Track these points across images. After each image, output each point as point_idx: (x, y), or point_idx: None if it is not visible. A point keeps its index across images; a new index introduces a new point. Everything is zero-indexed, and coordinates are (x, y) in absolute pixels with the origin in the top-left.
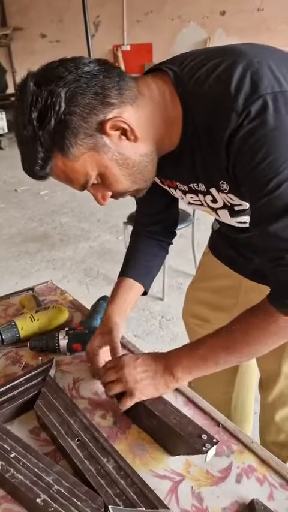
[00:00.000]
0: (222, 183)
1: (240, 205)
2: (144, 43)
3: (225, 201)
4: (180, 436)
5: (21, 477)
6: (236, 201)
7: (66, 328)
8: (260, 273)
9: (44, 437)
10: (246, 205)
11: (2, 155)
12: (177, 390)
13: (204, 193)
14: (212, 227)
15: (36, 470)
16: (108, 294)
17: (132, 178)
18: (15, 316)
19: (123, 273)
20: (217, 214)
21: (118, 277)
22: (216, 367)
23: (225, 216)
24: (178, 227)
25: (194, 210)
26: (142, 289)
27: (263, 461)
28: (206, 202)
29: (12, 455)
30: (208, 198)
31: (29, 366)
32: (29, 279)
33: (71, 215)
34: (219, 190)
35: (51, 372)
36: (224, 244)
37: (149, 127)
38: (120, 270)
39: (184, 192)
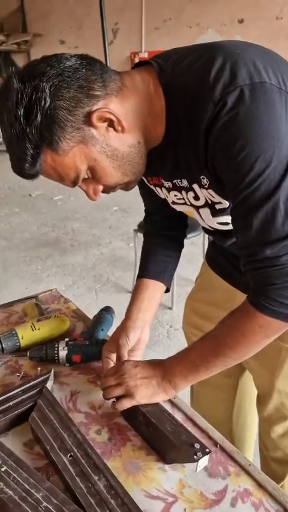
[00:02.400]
0: (202, 178)
1: (220, 203)
2: (162, 50)
3: (207, 198)
4: (173, 444)
5: (11, 492)
6: (216, 198)
7: (67, 339)
8: None
9: (37, 451)
10: (226, 203)
11: None
12: (175, 407)
13: (187, 190)
14: (208, 238)
15: (26, 485)
16: (117, 301)
17: (122, 170)
18: (17, 324)
19: (140, 275)
20: (200, 214)
21: (136, 281)
22: (208, 371)
23: (207, 216)
24: (189, 235)
25: None
26: (162, 287)
27: (259, 485)
28: (188, 199)
29: (3, 469)
30: (190, 194)
31: (27, 376)
32: (39, 284)
33: (83, 221)
34: (200, 185)
35: (49, 384)
36: (217, 254)
37: (135, 118)
38: (139, 268)
39: (168, 190)
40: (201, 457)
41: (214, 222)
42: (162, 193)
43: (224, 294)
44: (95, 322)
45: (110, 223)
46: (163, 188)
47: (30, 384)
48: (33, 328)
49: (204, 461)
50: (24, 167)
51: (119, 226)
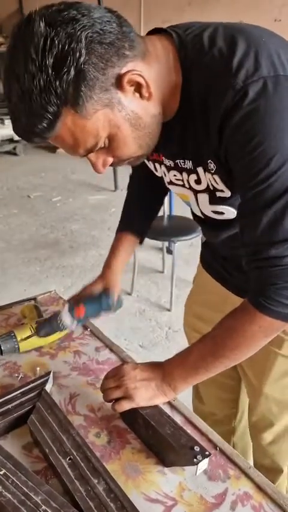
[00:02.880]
0: (210, 162)
1: (222, 191)
2: None
3: (209, 184)
4: (172, 447)
5: (9, 495)
6: (220, 185)
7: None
8: (244, 289)
9: (36, 454)
10: (228, 193)
11: (17, 161)
12: (175, 409)
13: (190, 172)
14: (201, 239)
15: (25, 489)
16: None
17: (140, 142)
18: (15, 326)
19: (121, 229)
20: (197, 199)
21: (119, 231)
22: (207, 373)
23: (204, 203)
24: (187, 237)
25: None
26: (137, 241)
27: (259, 488)
28: (189, 182)
29: (1, 473)
30: (192, 177)
31: (26, 377)
32: (38, 285)
33: (82, 222)
34: (206, 169)
35: (48, 387)
36: (209, 256)
37: (157, 87)
38: (120, 221)
39: (168, 169)
40: (201, 460)
41: (209, 210)
42: (159, 170)
43: (217, 296)
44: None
45: (109, 225)
46: (162, 166)
47: (29, 386)
48: (32, 330)
49: (204, 464)
50: (38, 126)
51: None
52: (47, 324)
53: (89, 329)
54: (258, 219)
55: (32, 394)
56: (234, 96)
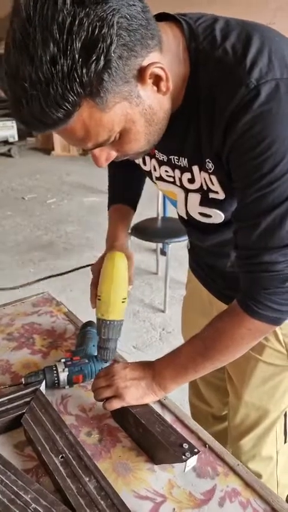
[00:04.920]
0: (208, 162)
1: (216, 192)
2: None
3: (203, 183)
4: (162, 444)
5: None
6: (215, 186)
7: (63, 360)
8: (226, 294)
9: (28, 453)
10: (222, 195)
11: (12, 163)
12: (165, 408)
13: (183, 170)
14: (187, 246)
15: (14, 488)
16: None
17: (149, 138)
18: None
19: (118, 201)
20: (186, 198)
21: (110, 205)
22: (196, 374)
23: (193, 203)
24: (182, 239)
25: None
26: (131, 209)
27: (247, 484)
28: (181, 180)
29: None
30: (186, 176)
31: (18, 376)
32: (32, 287)
33: (77, 224)
34: (202, 169)
35: (42, 386)
36: (194, 262)
37: (171, 80)
38: (109, 198)
39: (160, 163)
40: (190, 457)
41: (196, 211)
42: (148, 164)
43: (204, 301)
44: (86, 339)
45: (105, 227)
46: (153, 159)
47: (23, 389)
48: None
49: (192, 461)
50: (52, 116)
51: None
52: (39, 376)
53: None
54: (256, 223)
55: (26, 393)
56: (246, 96)
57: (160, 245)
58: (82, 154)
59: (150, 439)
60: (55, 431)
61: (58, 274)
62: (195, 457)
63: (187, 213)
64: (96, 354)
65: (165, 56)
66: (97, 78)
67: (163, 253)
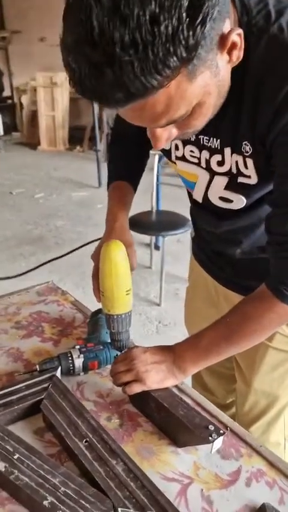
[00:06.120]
0: (245, 144)
1: (248, 177)
2: None
3: (235, 167)
4: (187, 427)
5: (26, 479)
6: (248, 170)
7: (77, 346)
8: (234, 282)
9: (48, 439)
10: (254, 179)
11: None
12: (183, 393)
13: (213, 152)
14: (191, 234)
15: (41, 472)
16: None
17: (210, 114)
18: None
19: (120, 177)
20: (210, 182)
21: (110, 183)
22: (218, 357)
23: (217, 187)
24: (177, 231)
25: None
26: (132, 189)
27: (272, 465)
28: (209, 162)
29: (15, 457)
30: (216, 158)
31: (30, 364)
32: (24, 281)
33: (66, 219)
34: (235, 151)
35: (58, 373)
36: (199, 250)
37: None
38: (109, 176)
39: (185, 142)
40: (216, 438)
41: (217, 196)
42: (171, 142)
43: (211, 291)
44: (98, 326)
45: (95, 221)
46: None
47: (40, 375)
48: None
49: (218, 442)
50: (146, 82)
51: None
52: (54, 363)
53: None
54: None
55: (43, 379)
56: None
57: (154, 240)
58: (68, 149)
59: (174, 422)
60: (76, 417)
61: (50, 260)
62: (221, 439)
63: (205, 196)
64: (108, 340)
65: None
66: (197, 43)
67: (157, 247)
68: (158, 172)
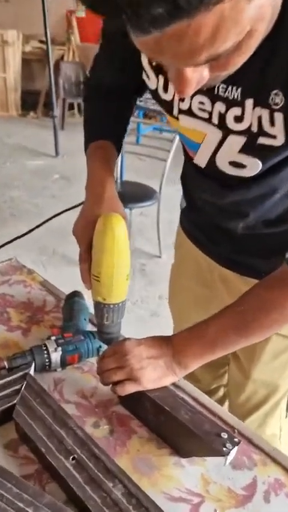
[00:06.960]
0: (275, 94)
1: (273, 137)
2: None
3: (256, 123)
4: (194, 435)
5: None
6: (275, 128)
7: (53, 337)
8: (232, 259)
9: (23, 453)
10: (280, 141)
11: None
12: (180, 389)
13: (231, 104)
14: (180, 205)
15: (19, 504)
16: (69, 275)
17: (254, 49)
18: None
19: (103, 136)
20: (222, 142)
21: (89, 144)
22: (224, 351)
23: (231, 148)
24: (139, 205)
25: (160, 187)
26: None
27: None
28: (223, 117)
29: None
30: (233, 111)
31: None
32: None
33: (22, 189)
34: (260, 103)
35: (31, 371)
36: (192, 224)
37: None
38: (86, 138)
39: (195, 92)
40: (232, 448)
41: (227, 161)
42: (173, 90)
43: (203, 268)
44: (74, 312)
45: (53, 192)
46: None
47: (10, 378)
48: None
49: (233, 453)
50: None
51: (63, 196)
52: (27, 358)
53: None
54: None
55: (14, 378)
56: None
57: None
58: (21, 115)
59: (177, 429)
60: (59, 426)
61: (18, 237)
62: (235, 449)
63: (211, 160)
64: (88, 329)
65: None
66: None
67: None
68: None
